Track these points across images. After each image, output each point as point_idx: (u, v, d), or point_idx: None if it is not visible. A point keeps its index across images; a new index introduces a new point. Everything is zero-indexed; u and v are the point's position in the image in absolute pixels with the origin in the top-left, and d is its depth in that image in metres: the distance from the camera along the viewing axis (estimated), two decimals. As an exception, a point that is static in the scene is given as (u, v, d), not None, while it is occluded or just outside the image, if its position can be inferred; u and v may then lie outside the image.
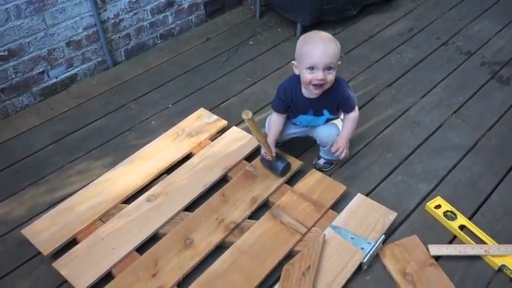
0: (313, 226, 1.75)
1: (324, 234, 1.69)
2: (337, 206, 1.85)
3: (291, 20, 2.93)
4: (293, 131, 2.01)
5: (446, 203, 1.87)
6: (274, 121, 1.92)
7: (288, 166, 1.92)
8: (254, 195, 1.85)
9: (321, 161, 2.04)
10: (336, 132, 1.90)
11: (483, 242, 1.74)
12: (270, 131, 1.93)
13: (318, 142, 1.98)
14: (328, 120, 1.92)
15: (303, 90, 1.82)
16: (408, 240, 1.73)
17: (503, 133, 2.22)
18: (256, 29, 2.99)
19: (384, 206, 1.81)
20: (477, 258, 1.70)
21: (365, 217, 1.76)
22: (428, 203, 1.87)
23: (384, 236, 1.70)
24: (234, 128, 2.17)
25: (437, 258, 1.69)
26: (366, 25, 3.02)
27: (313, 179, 1.92)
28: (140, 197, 1.86)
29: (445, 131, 2.24)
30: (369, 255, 1.63)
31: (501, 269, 1.65)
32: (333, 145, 1.88)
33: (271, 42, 2.88)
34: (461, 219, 1.81)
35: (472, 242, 1.73)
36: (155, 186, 1.90)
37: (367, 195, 1.92)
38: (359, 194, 1.86)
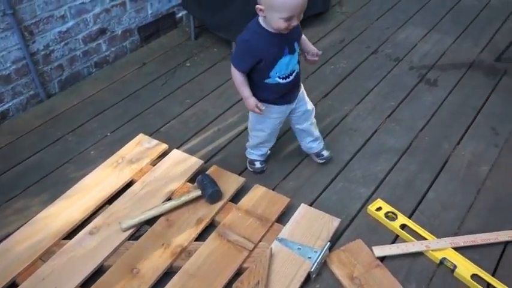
0: (260, 241, 1.76)
1: (271, 248, 1.70)
2: (283, 218, 1.87)
3: (226, 39, 2.96)
4: (275, 118, 1.90)
5: (387, 205, 1.93)
6: (241, 77, 1.76)
7: (216, 193, 1.89)
8: (199, 217, 1.84)
9: (325, 152, 2.12)
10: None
11: (424, 238, 1.80)
12: (241, 85, 1.77)
13: (299, 124, 2.01)
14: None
15: (270, 30, 1.66)
16: (353, 245, 1.77)
17: (434, 132, 2.33)
18: (193, 51, 3.01)
19: (328, 214, 1.85)
20: (419, 254, 1.76)
21: (310, 226, 1.79)
22: (369, 206, 1.92)
23: (329, 243, 1.73)
24: (175, 151, 2.16)
25: (382, 259, 1.74)
26: (299, 39, 3.10)
27: (256, 194, 1.94)
28: (82, 231, 1.81)
29: (380, 135, 2.32)
30: (316, 263, 1.65)
31: (442, 262, 1.72)
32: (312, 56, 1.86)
33: (208, 62, 2.90)
34: (402, 219, 1.88)
35: (414, 240, 1.80)
36: (97, 218, 1.85)
37: (311, 204, 1.96)
38: (302, 205, 1.90)
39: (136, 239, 1.78)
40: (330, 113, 2.47)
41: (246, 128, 2.36)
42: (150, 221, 1.85)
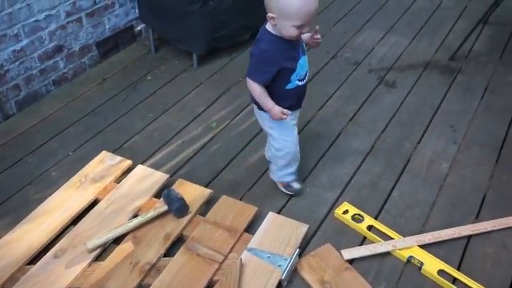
0: (230, 252, 1.75)
1: (241, 259, 1.70)
2: (251, 227, 1.87)
3: (186, 51, 2.96)
4: (294, 125, 1.90)
5: (353, 207, 1.96)
6: (260, 89, 1.71)
7: (183, 207, 1.87)
8: (167, 232, 1.82)
9: None
10: None
11: (390, 238, 1.84)
12: (263, 97, 1.72)
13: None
14: None
15: (282, 37, 1.63)
16: (322, 249, 1.79)
17: (395, 133, 2.38)
18: (153, 64, 2.98)
19: (296, 220, 1.86)
20: (387, 254, 1.79)
21: (278, 234, 1.80)
22: (336, 210, 1.95)
23: (298, 249, 1.74)
24: (139, 167, 2.13)
25: (351, 261, 1.76)
26: (260, 47, 3.12)
27: (224, 205, 1.93)
28: (47, 255, 1.76)
29: (344, 138, 2.36)
30: (286, 271, 1.66)
31: (409, 260, 1.75)
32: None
33: (169, 75, 2.88)
34: (369, 220, 1.91)
35: (381, 240, 1.83)
36: (62, 240, 1.81)
37: (279, 212, 1.97)
38: (270, 213, 1.90)
39: (104, 259, 1.74)
40: (294, 119, 2.49)
41: (211, 139, 2.38)
42: (117, 240, 1.82)
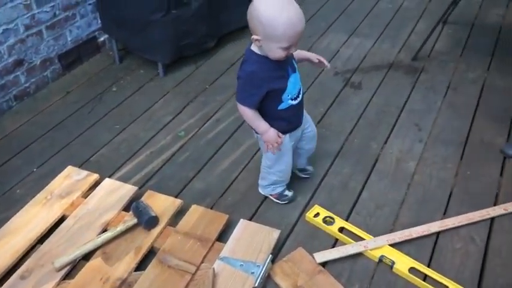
0: (202, 262, 1.73)
1: (213, 268, 1.68)
2: (223, 236, 1.85)
3: (151, 60, 2.93)
4: (292, 147, 1.84)
5: (324, 210, 1.97)
6: (251, 111, 1.66)
7: (153, 219, 1.84)
8: (138, 245, 1.79)
9: (310, 167, 2.13)
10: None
11: (362, 239, 1.85)
12: (255, 119, 1.68)
13: (308, 144, 1.96)
14: None
15: (271, 57, 1.57)
16: (295, 254, 1.79)
17: (363, 134, 2.41)
18: (118, 75, 2.94)
19: (267, 226, 1.86)
20: (359, 255, 1.80)
21: (250, 241, 1.79)
22: (307, 214, 1.95)
23: (271, 255, 1.73)
24: (107, 180, 2.09)
25: (324, 264, 1.77)
26: (226, 54, 3.12)
27: (195, 215, 1.91)
28: (13, 276, 1.70)
29: (312, 141, 2.37)
30: (259, 278, 1.65)
31: (381, 259, 1.77)
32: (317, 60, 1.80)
33: (135, 85, 2.85)
34: (340, 222, 1.92)
35: (352, 241, 1.84)
36: (28, 261, 1.75)
37: (250, 218, 1.96)
38: (242, 220, 1.89)
39: (73, 277, 1.70)
40: (262, 124, 2.49)
41: (180, 148, 2.35)
42: (87, 256, 1.77)
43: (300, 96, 1.74)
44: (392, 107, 2.60)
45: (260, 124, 1.69)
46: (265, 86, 1.61)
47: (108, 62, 3.06)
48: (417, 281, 1.70)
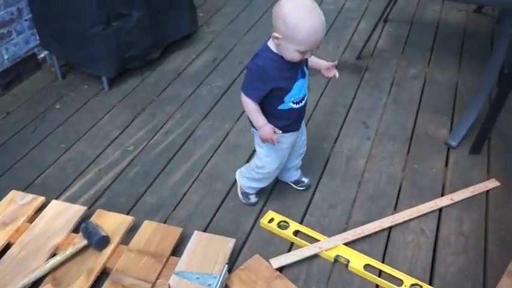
0: (157, 279, 1.69)
1: (169, 284, 1.65)
2: (178, 250, 1.82)
3: (95, 74, 2.85)
4: (286, 149, 1.84)
5: (278, 215, 1.98)
6: (253, 104, 1.66)
7: (103, 239, 1.79)
8: (89, 267, 1.73)
9: (305, 178, 2.10)
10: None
11: (317, 240, 1.86)
12: (255, 112, 1.67)
13: (291, 157, 1.95)
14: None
15: (286, 57, 1.58)
16: (252, 261, 1.78)
17: (313, 135, 2.42)
18: (61, 91, 2.85)
19: (222, 236, 1.84)
20: (315, 256, 1.81)
21: (206, 253, 1.77)
22: (261, 220, 1.95)
23: (227, 265, 1.72)
24: (54, 202, 2.01)
25: (281, 269, 1.77)
26: (172, 64, 3.09)
27: (148, 231, 1.87)
28: (-45, 312, 1.61)
29: (263, 147, 2.38)
30: (216, 289, 1.64)
31: (336, 259, 1.79)
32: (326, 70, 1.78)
33: (79, 101, 2.76)
34: (294, 225, 1.93)
35: (308, 244, 1.85)
36: (-28, 294, 1.67)
37: (205, 230, 1.94)
38: (196, 232, 1.87)
39: (21, 307, 1.63)
40: (212, 134, 2.47)
41: (129, 163, 2.30)
42: (36, 283, 1.70)
43: (303, 102, 1.74)
44: (339, 106, 2.65)
45: (259, 118, 1.69)
46: (272, 83, 1.62)
47: (50, 78, 2.96)
48: (372, 277, 1.73)
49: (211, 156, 2.32)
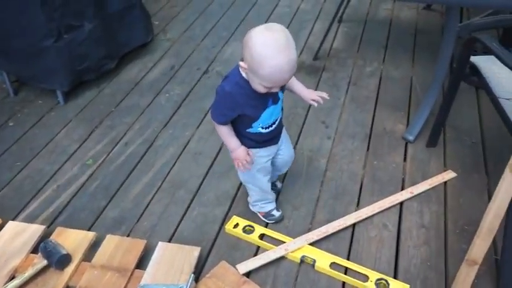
0: (123, 294, 1.67)
1: (134, 298, 1.63)
2: (143, 262, 1.79)
3: (49, 89, 2.78)
4: (265, 157, 1.76)
5: (242, 219, 1.97)
6: (225, 129, 1.64)
7: (64, 257, 1.74)
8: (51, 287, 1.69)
9: (279, 183, 2.10)
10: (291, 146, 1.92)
11: (282, 242, 1.87)
12: (227, 135, 1.65)
13: (276, 167, 1.91)
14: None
15: (252, 87, 1.52)
16: (218, 268, 1.77)
17: (274, 138, 2.45)
18: (14, 108, 2.76)
19: (187, 245, 1.82)
20: (281, 258, 1.82)
21: (171, 263, 1.75)
22: (226, 226, 1.94)
23: (193, 274, 1.70)
24: (10, 223, 1.95)
25: (248, 274, 1.76)
26: (129, 74, 3.04)
27: (110, 246, 1.83)
28: None
29: (225, 152, 2.36)
30: (183, 300, 1.62)
31: (302, 260, 1.80)
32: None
33: (34, 117, 2.68)
34: (259, 229, 1.93)
35: (274, 246, 1.85)
36: None
37: (170, 240, 1.91)
38: (160, 243, 1.84)
39: (-20, 335, 1.57)
40: (173, 142, 2.45)
41: (89, 178, 2.25)
42: (-5, 310, 1.65)
43: (274, 126, 1.69)
44: (299, 108, 2.67)
45: (231, 141, 1.66)
46: (239, 110, 1.57)
47: (1, 95, 2.86)
48: (339, 275, 1.75)
49: (173, 165, 2.30)
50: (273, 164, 1.88)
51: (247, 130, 1.66)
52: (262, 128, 1.66)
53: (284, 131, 1.88)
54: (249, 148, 1.70)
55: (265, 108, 1.60)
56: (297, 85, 1.77)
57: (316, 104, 1.76)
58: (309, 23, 3.58)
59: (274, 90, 1.50)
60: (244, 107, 1.56)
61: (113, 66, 2.96)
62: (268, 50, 1.38)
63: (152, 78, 3.01)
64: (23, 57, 2.61)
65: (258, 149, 1.73)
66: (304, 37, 3.38)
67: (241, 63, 1.48)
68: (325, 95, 1.76)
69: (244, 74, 1.52)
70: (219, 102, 1.60)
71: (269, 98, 1.59)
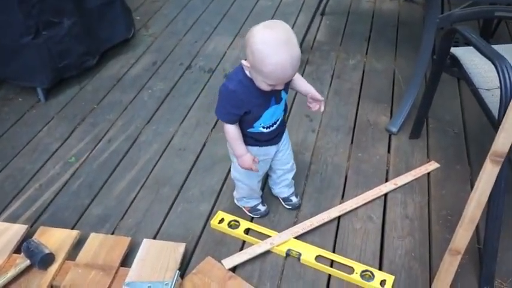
0: (108, 292, 1.65)
1: (119, 296, 1.61)
2: (127, 260, 1.78)
3: (29, 86, 2.74)
4: (262, 160, 1.76)
5: (228, 215, 1.96)
6: (234, 131, 1.62)
7: (47, 257, 1.71)
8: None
9: (294, 197, 1.99)
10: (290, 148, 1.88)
11: (268, 236, 1.87)
12: (236, 140, 1.63)
13: (277, 172, 1.89)
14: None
15: (256, 85, 1.52)
16: (204, 264, 1.76)
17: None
18: (-6, 107, 2.72)
19: (172, 242, 1.81)
20: (267, 253, 1.82)
21: (156, 260, 1.73)
22: (212, 221, 1.94)
23: (178, 271, 1.69)
24: (-8, 223, 1.92)
25: (234, 269, 1.76)
26: (111, 70, 3.01)
27: (94, 244, 1.81)
28: None
29: (209, 147, 2.36)
30: (169, 296, 1.61)
31: (288, 253, 1.80)
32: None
33: (14, 115, 2.64)
34: (245, 224, 1.93)
35: (259, 241, 1.85)
36: None
37: (154, 237, 1.90)
38: (145, 240, 1.83)
39: (-38, 338, 1.54)
40: (156, 138, 2.43)
41: (72, 176, 2.23)
42: (-23, 312, 1.62)
43: (275, 126, 1.69)
44: (283, 102, 2.66)
45: (238, 147, 1.65)
46: (244, 108, 1.56)
47: (-20, 94, 2.81)
48: (324, 267, 1.75)
49: (157, 161, 2.28)
50: (273, 170, 1.91)
51: (249, 130, 1.66)
52: (264, 127, 1.66)
53: (286, 136, 1.87)
54: (248, 146, 1.69)
55: (268, 108, 1.60)
56: (303, 86, 1.74)
57: (312, 109, 1.75)
58: (292, 16, 3.58)
59: (279, 87, 1.50)
60: (248, 105, 1.56)
61: (94, 63, 2.92)
62: (269, 47, 1.38)
63: (134, 74, 2.98)
64: (1, 55, 2.56)
65: (257, 147, 1.73)
66: (287, 30, 3.37)
67: (243, 61, 1.48)
68: (322, 106, 1.73)
69: (248, 73, 1.52)
70: (223, 101, 1.59)
71: (272, 97, 1.59)
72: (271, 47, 1.38)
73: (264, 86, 1.47)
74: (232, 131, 1.62)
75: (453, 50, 1.99)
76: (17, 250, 1.81)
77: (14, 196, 2.13)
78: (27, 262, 1.71)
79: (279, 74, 1.41)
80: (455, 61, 1.97)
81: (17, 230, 1.88)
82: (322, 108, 1.72)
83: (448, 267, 1.57)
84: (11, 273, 1.68)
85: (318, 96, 1.70)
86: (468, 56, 1.94)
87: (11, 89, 2.84)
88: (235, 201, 2.01)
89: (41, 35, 2.50)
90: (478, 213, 1.44)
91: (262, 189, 2.05)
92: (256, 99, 1.55)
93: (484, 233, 1.64)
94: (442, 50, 1.97)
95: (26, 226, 1.90)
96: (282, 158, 1.87)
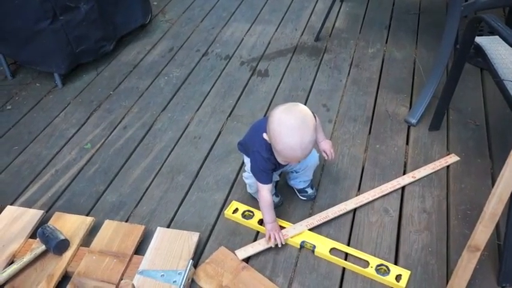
0: (121, 279, 1.65)
1: (133, 284, 1.61)
2: (141, 248, 1.78)
3: (47, 71, 2.74)
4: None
5: (242, 205, 1.95)
6: (269, 199, 1.73)
7: (62, 243, 1.73)
8: (49, 273, 1.68)
9: (310, 189, 1.98)
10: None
11: (282, 227, 1.84)
12: (268, 207, 1.74)
13: (295, 171, 1.91)
14: None
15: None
16: (217, 254, 1.76)
17: (274, 121, 2.41)
18: (12, 91, 2.73)
19: (185, 231, 1.81)
20: (281, 244, 1.80)
21: (170, 249, 1.73)
22: (226, 211, 1.92)
23: (192, 260, 1.69)
24: (9, 208, 1.94)
25: (247, 259, 1.75)
26: (127, 56, 3.00)
27: (109, 231, 1.82)
28: None
29: (225, 136, 2.34)
30: (182, 285, 1.60)
31: (302, 245, 1.78)
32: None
33: (32, 100, 2.65)
34: (259, 214, 1.90)
35: (273, 232, 1.83)
36: None
37: (168, 225, 1.90)
38: (159, 228, 1.83)
39: (-21, 321, 1.57)
40: (172, 126, 2.42)
41: (88, 162, 2.24)
42: (-7, 296, 1.64)
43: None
44: (299, 90, 2.63)
45: (269, 215, 1.76)
46: (273, 166, 1.70)
47: (-2, 78, 2.83)
48: (339, 260, 1.73)
49: (172, 149, 2.28)
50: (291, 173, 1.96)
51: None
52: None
53: None
54: None
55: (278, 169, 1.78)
56: (320, 139, 1.84)
57: (326, 157, 1.86)
58: (311, 2, 3.51)
59: (293, 163, 1.69)
60: (276, 162, 1.68)
61: (111, 49, 2.91)
62: (283, 129, 1.52)
63: (151, 60, 2.96)
64: (19, 40, 2.57)
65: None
66: (306, 17, 3.32)
67: (264, 134, 1.61)
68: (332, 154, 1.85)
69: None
70: (262, 167, 1.69)
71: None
72: (285, 130, 1.52)
73: (280, 160, 1.63)
74: (268, 199, 1.72)
75: (478, 39, 1.93)
76: (33, 235, 1.83)
77: (30, 181, 2.15)
78: (43, 247, 1.73)
79: (288, 153, 1.54)
80: (480, 51, 1.91)
81: (33, 215, 1.90)
82: (332, 157, 1.85)
83: (467, 264, 1.53)
84: (27, 257, 1.69)
85: (321, 150, 1.86)
86: (493, 46, 1.87)
87: (29, 73, 2.85)
88: (249, 190, 1.99)
89: (58, 20, 2.50)
90: (499, 209, 1.40)
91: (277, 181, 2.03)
92: (278, 165, 1.71)
93: (505, 229, 1.60)
94: (466, 39, 1.91)
95: (41, 211, 1.92)
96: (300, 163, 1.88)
